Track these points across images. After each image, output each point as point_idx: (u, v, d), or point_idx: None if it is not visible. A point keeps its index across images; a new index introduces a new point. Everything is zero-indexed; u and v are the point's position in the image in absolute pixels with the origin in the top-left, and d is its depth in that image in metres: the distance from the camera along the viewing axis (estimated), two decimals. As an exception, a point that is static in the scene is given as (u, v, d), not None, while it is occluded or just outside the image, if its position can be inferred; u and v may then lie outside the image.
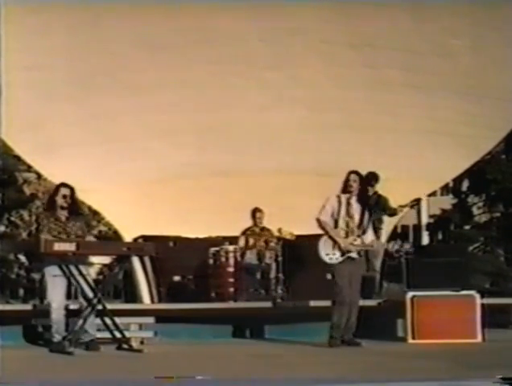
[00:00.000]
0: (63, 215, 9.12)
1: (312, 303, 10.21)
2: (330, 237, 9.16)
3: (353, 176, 9.29)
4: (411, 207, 10.07)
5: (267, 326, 10.45)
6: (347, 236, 9.20)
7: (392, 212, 11.86)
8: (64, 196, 9.10)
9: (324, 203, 9.29)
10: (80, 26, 11.72)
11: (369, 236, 9.33)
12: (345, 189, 9.27)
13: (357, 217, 9.24)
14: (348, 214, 9.23)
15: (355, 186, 9.25)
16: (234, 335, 10.39)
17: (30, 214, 23.56)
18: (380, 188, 11.67)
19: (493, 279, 19.53)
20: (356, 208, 9.25)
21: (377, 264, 11.65)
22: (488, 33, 12.01)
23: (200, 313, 10.20)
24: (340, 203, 9.24)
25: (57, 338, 8.85)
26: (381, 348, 9.17)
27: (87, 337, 8.91)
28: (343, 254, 9.14)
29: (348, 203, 9.25)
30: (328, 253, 9.17)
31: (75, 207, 9.24)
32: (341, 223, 9.21)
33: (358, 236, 9.19)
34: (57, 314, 8.89)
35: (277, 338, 10.06)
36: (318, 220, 9.21)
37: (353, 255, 9.18)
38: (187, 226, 12.73)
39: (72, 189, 9.19)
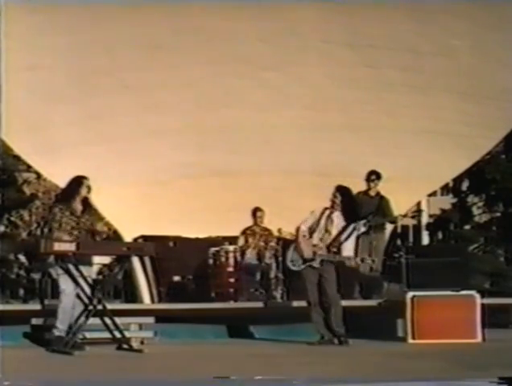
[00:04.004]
0: (79, 208, 9.07)
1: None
2: (297, 246, 9.42)
3: (334, 191, 9.44)
4: (412, 217, 10.12)
5: (267, 325, 10.45)
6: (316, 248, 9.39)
7: (392, 220, 11.86)
8: (88, 187, 9.05)
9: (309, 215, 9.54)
10: (81, 26, 11.72)
11: (346, 251, 9.38)
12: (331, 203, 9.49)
13: (334, 232, 9.36)
14: (326, 228, 9.38)
15: (336, 201, 9.42)
16: (230, 335, 10.40)
17: (30, 214, 23.56)
18: (381, 188, 11.66)
19: (493, 279, 19.50)
20: (337, 224, 9.40)
21: (378, 263, 11.64)
22: (488, 33, 12.02)
23: (200, 313, 10.21)
24: (322, 216, 9.43)
25: (59, 330, 8.77)
26: (381, 348, 9.18)
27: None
28: (304, 262, 9.35)
29: (329, 218, 9.36)
30: (293, 260, 9.51)
31: (88, 200, 9.15)
32: (316, 236, 9.41)
33: (328, 246, 9.31)
34: (67, 301, 8.79)
35: (277, 338, 10.06)
36: (297, 229, 9.50)
37: (315, 264, 9.35)
38: (187, 226, 12.73)
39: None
